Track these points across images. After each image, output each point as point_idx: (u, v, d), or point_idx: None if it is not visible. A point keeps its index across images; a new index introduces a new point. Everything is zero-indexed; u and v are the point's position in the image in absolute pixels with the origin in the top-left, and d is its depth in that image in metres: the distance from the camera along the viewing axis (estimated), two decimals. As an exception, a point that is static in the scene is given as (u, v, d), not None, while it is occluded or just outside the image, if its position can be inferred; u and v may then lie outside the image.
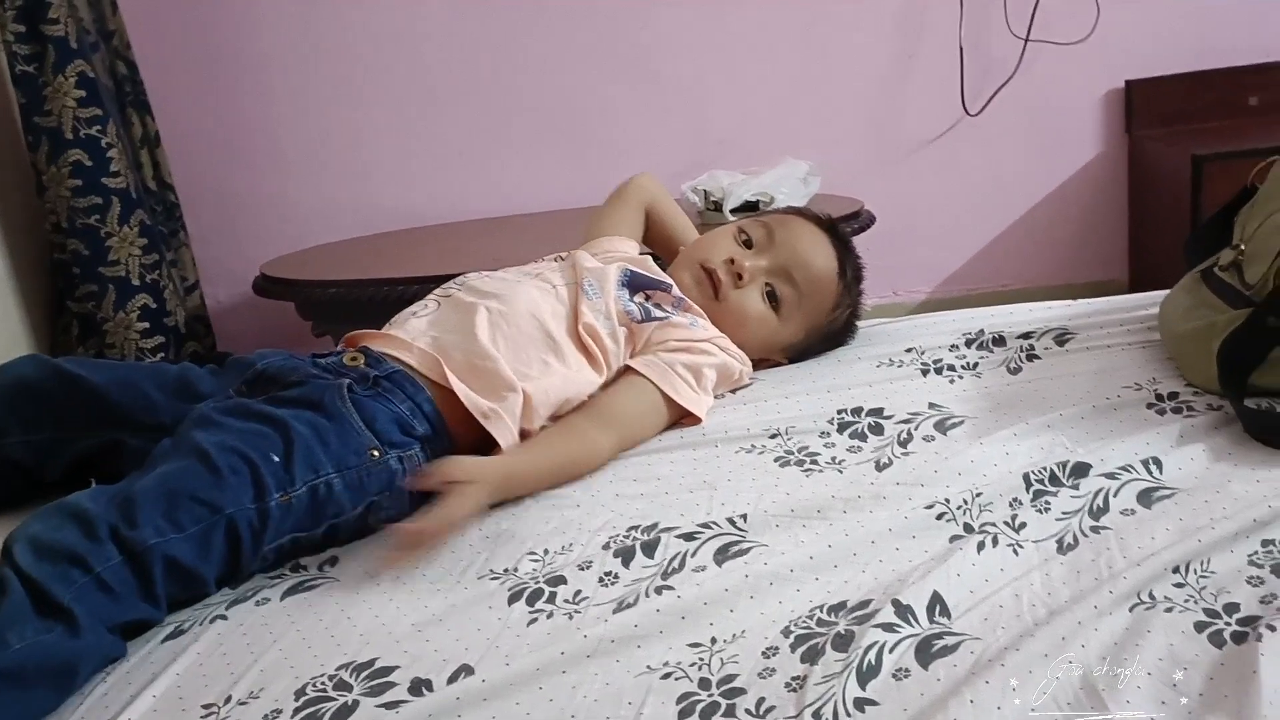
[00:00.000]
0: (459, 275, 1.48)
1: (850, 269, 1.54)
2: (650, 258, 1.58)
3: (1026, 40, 2.69)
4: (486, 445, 1.26)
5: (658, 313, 1.43)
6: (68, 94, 2.27)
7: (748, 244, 1.51)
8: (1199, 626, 0.84)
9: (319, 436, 1.13)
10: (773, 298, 1.48)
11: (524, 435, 1.28)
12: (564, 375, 1.33)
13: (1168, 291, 1.45)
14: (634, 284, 1.45)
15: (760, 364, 1.50)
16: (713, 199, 2.41)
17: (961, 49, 2.73)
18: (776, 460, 1.23)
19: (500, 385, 1.27)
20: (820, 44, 2.79)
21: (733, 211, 2.34)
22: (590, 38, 2.82)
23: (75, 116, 2.28)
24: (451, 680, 0.88)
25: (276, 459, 1.10)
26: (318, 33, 2.85)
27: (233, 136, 2.94)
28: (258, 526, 1.07)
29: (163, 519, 1.01)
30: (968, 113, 2.78)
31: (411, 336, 1.32)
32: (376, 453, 1.16)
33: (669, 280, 1.49)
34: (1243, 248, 1.24)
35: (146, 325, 2.39)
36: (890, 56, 2.79)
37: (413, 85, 2.88)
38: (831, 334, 1.54)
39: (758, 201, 2.36)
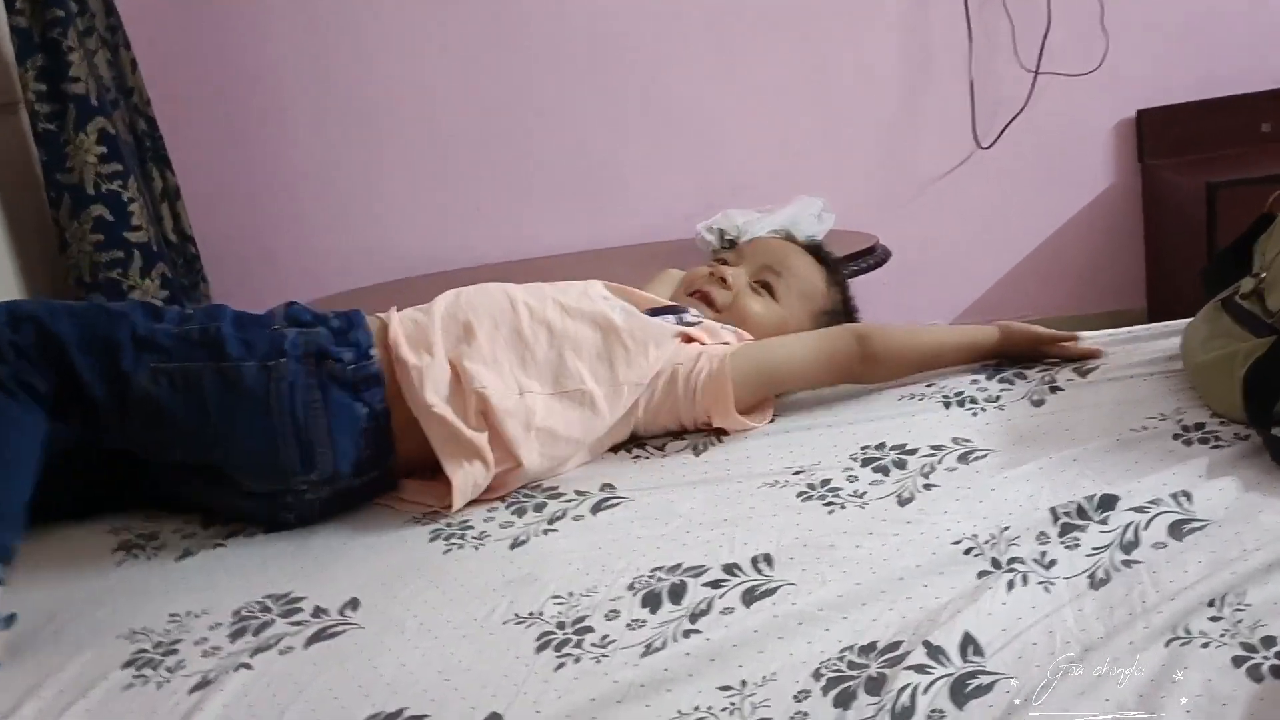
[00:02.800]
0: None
1: (821, 253, 1.67)
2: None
3: (1036, 72, 2.70)
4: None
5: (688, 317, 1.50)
6: (89, 150, 2.30)
7: (723, 265, 1.63)
8: (1236, 661, 0.82)
9: (237, 315, 1.30)
10: (766, 289, 1.59)
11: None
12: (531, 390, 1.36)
13: (1187, 320, 1.44)
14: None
15: None
16: (728, 237, 2.41)
17: (971, 83, 2.74)
18: (799, 495, 1.22)
19: (422, 345, 1.34)
20: (830, 83, 2.81)
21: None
22: (603, 84, 2.85)
23: (97, 172, 2.31)
24: (481, 729, 0.88)
25: (189, 310, 1.29)
26: (334, 86, 2.89)
27: (251, 188, 2.97)
28: (144, 334, 1.22)
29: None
30: (980, 146, 2.78)
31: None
32: (277, 327, 1.28)
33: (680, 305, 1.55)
34: (1263, 275, 1.24)
35: (167, 376, 2.40)
36: (900, 92, 2.80)
37: (428, 134, 2.91)
38: (837, 310, 1.63)
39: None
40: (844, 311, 1.66)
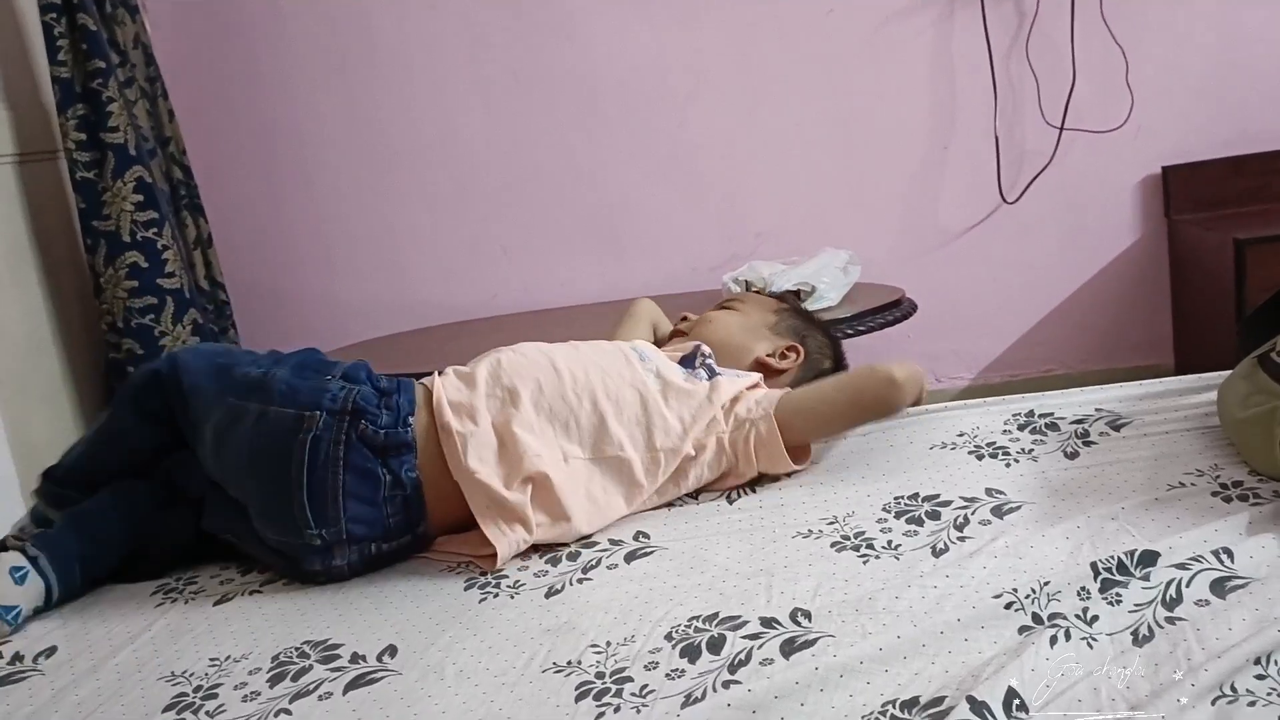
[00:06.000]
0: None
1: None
2: None
3: (1061, 129, 2.72)
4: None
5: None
6: (126, 198, 2.34)
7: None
8: (1284, 720, 0.82)
9: (309, 357, 1.39)
10: (723, 307, 1.77)
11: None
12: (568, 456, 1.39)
13: (1220, 374, 1.44)
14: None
15: (777, 377, 1.63)
16: (753, 289, 2.43)
17: (997, 138, 2.76)
18: (833, 546, 1.22)
19: (464, 412, 1.36)
20: (856, 136, 2.84)
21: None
22: (628, 134, 2.88)
23: (133, 220, 2.35)
24: (521, 778, 0.87)
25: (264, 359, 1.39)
26: (363, 137, 2.94)
27: (280, 237, 3.01)
28: (238, 375, 1.35)
29: None
30: (1005, 200, 2.80)
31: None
32: (330, 379, 1.32)
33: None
34: (1300, 332, 1.24)
35: (197, 421, 2.42)
36: (926, 147, 2.82)
37: (456, 185, 2.95)
38: (794, 312, 1.78)
39: (798, 291, 2.38)
40: (800, 313, 1.79)
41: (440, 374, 1.44)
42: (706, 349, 1.57)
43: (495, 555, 1.28)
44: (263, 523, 1.31)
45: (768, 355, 1.66)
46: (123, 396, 1.44)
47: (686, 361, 1.55)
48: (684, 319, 1.76)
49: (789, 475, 1.44)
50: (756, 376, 1.56)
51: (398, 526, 1.31)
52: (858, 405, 1.49)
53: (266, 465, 1.28)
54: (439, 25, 2.86)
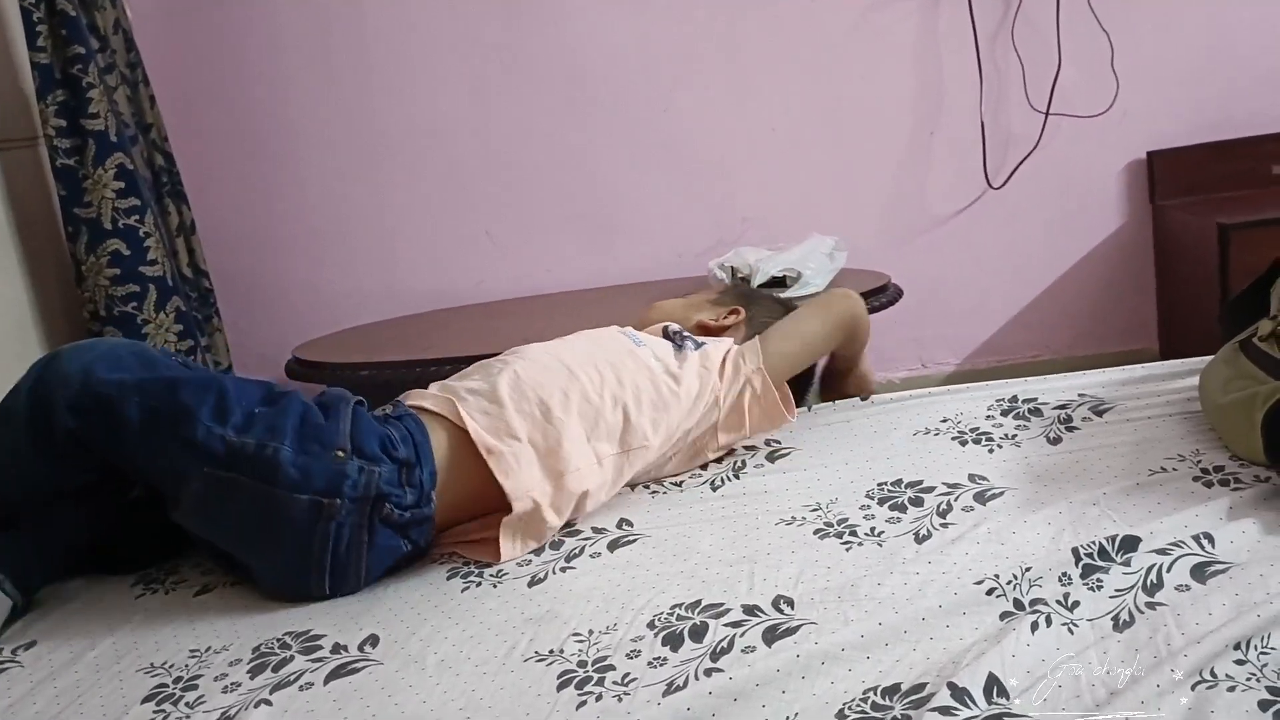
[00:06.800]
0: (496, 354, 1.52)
1: None
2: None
3: (1047, 114, 2.72)
4: (480, 501, 1.31)
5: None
6: (107, 185, 2.32)
7: None
8: (1263, 705, 0.82)
9: (303, 418, 1.22)
10: None
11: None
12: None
13: (1202, 360, 1.44)
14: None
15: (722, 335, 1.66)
16: (740, 275, 2.42)
17: (983, 123, 2.75)
18: (816, 533, 1.22)
19: (503, 430, 1.32)
20: (843, 122, 2.83)
21: (760, 287, 2.35)
22: (615, 121, 2.87)
23: (114, 207, 2.33)
24: (502, 768, 0.87)
25: (257, 409, 1.20)
26: (348, 122, 2.91)
27: (264, 224, 2.99)
28: (202, 439, 1.17)
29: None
30: (991, 186, 2.80)
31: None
32: (341, 454, 1.21)
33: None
34: (1281, 317, 1.24)
35: (181, 410, 2.41)
36: (912, 132, 2.82)
37: (442, 170, 2.93)
38: (740, 293, 1.80)
39: (784, 277, 2.37)
40: (745, 288, 1.86)
41: (459, 400, 1.35)
42: (674, 325, 1.57)
43: (493, 551, 1.28)
44: (269, 578, 1.26)
45: (710, 320, 1.68)
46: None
47: (667, 338, 1.56)
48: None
49: (761, 469, 1.46)
50: (728, 341, 1.57)
51: (401, 563, 1.31)
52: (832, 324, 1.59)
53: (280, 547, 1.22)
54: (425, 9, 2.84)
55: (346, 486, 1.20)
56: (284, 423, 1.21)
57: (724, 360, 1.50)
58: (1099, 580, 1.02)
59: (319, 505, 1.19)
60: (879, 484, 1.33)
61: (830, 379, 1.75)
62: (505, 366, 1.41)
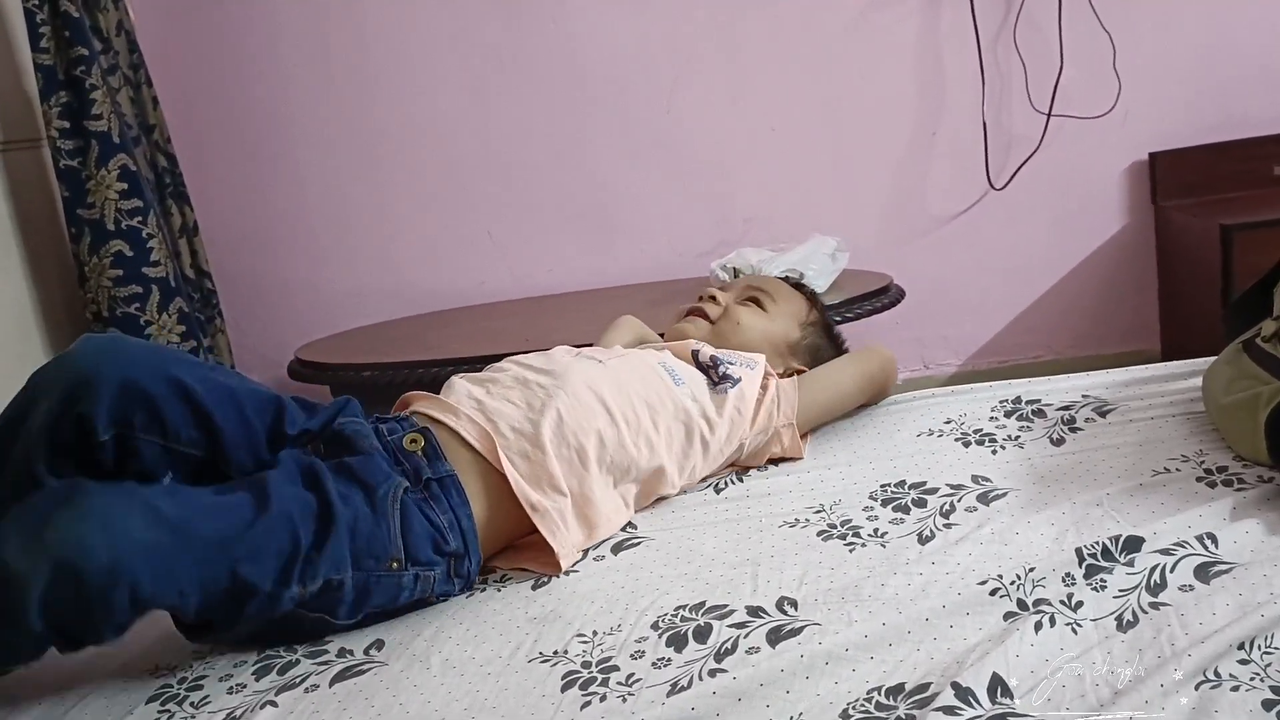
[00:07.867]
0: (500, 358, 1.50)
1: (801, 285, 1.81)
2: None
3: (1049, 115, 2.72)
4: (513, 534, 1.29)
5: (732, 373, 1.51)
6: (110, 186, 2.32)
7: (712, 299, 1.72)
8: (1267, 705, 0.82)
9: (354, 527, 1.13)
10: (754, 302, 1.69)
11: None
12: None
13: (1205, 361, 1.44)
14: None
15: (786, 373, 1.61)
16: (741, 276, 2.42)
17: (985, 124, 2.76)
18: (819, 534, 1.23)
19: (545, 480, 1.29)
20: (844, 122, 2.83)
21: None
22: (615, 120, 2.87)
23: (117, 208, 2.34)
24: (507, 768, 0.87)
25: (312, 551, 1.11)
26: (348, 124, 2.92)
27: (266, 224, 3.00)
28: (264, 603, 1.07)
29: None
30: (993, 187, 2.80)
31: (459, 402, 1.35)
32: (396, 565, 1.16)
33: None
34: (1284, 318, 1.24)
35: (184, 411, 2.41)
36: (914, 133, 2.82)
37: (443, 171, 2.94)
38: (819, 323, 1.73)
39: (786, 278, 2.37)
40: (824, 324, 1.75)
41: (498, 437, 1.30)
42: (707, 349, 1.52)
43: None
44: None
45: (777, 372, 1.62)
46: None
47: (699, 366, 1.51)
48: (713, 299, 1.70)
49: (764, 471, 1.48)
50: (761, 359, 1.55)
51: None
52: (867, 392, 1.60)
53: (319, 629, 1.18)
54: (425, 9, 2.84)
55: (403, 598, 1.18)
56: (341, 551, 1.13)
57: (758, 403, 1.48)
58: (1102, 580, 1.02)
59: (365, 615, 1.17)
60: (882, 485, 1.33)
61: None
62: (549, 401, 1.33)
